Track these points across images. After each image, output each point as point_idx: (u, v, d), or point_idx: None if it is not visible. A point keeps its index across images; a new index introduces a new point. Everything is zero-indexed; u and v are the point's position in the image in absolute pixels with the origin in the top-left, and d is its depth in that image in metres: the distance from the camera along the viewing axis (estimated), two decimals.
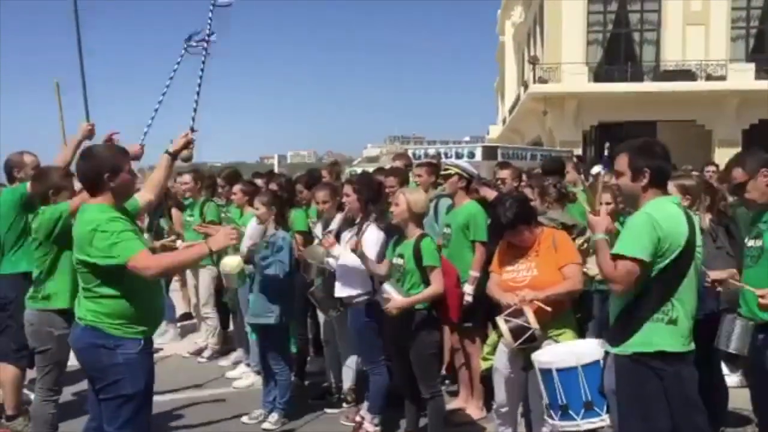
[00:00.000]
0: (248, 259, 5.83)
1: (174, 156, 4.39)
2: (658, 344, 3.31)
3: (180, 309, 9.65)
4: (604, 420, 3.70)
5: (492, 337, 4.78)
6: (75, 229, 3.79)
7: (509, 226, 4.37)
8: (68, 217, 4.62)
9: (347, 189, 5.66)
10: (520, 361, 4.32)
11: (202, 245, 3.89)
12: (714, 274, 4.20)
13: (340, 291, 5.55)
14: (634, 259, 3.27)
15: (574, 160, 9.71)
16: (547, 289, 4.22)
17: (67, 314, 4.38)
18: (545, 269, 4.33)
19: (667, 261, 3.29)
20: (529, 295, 4.16)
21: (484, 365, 4.78)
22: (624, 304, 3.41)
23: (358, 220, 5.54)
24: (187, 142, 4.44)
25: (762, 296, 3.68)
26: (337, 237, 5.74)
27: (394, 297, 4.75)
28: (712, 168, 9.52)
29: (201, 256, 3.89)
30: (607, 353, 3.55)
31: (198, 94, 4.86)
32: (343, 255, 5.39)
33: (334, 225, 5.94)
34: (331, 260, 5.62)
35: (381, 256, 5.35)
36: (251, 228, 6.03)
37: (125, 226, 3.65)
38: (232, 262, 6.20)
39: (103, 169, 3.74)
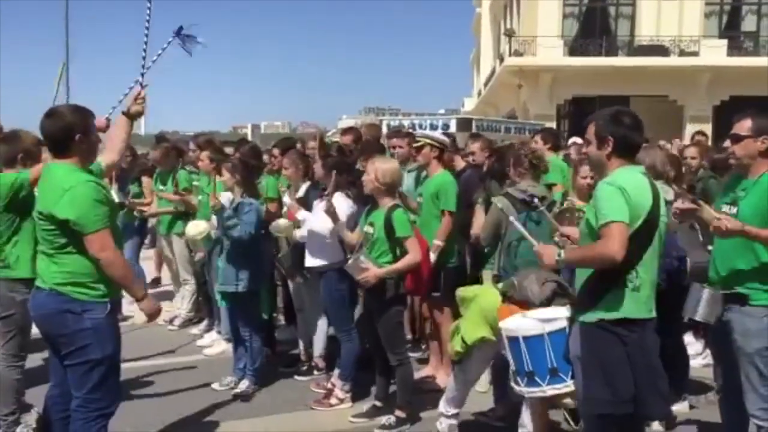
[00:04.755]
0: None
1: (130, 115, 4.28)
2: (622, 311, 3.36)
3: (150, 275, 9.62)
4: (568, 386, 3.76)
5: (456, 338, 4.52)
6: (43, 185, 3.75)
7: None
8: (29, 186, 4.49)
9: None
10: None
11: (139, 291, 3.88)
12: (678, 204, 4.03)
13: (310, 261, 5.57)
14: (619, 222, 3.24)
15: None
16: None
17: (27, 282, 4.32)
18: None
19: (632, 230, 3.30)
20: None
21: (454, 357, 4.65)
22: (589, 273, 3.45)
23: (328, 190, 5.54)
24: (137, 97, 4.28)
25: (719, 218, 3.61)
26: (307, 205, 5.75)
27: (372, 267, 4.78)
28: (700, 137, 9.78)
29: (131, 290, 3.85)
30: (572, 320, 3.62)
31: (146, 44, 4.47)
32: (309, 220, 5.40)
33: (300, 193, 5.94)
34: (297, 232, 5.62)
35: (352, 226, 5.36)
36: (223, 197, 6.02)
37: (97, 195, 3.63)
38: (196, 228, 6.20)
39: (75, 129, 3.70)
